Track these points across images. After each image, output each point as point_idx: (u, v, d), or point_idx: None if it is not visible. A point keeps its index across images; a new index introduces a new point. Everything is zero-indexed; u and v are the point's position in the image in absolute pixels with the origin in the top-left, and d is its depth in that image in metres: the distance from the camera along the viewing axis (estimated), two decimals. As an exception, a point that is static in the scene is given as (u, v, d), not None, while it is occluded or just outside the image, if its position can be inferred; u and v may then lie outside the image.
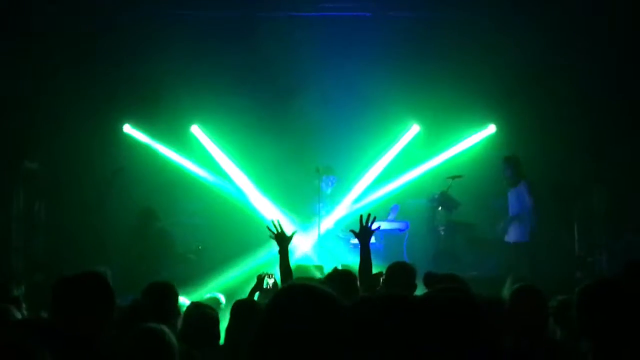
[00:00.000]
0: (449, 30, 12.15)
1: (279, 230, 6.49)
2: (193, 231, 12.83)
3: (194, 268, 11.79)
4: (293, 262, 11.61)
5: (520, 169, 11.59)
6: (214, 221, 12.93)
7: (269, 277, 6.73)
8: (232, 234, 12.50)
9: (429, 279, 5.52)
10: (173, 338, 4.19)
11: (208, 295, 8.31)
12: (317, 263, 11.68)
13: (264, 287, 6.72)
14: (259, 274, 7.02)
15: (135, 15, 12.18)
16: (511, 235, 11.57)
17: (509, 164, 11.59)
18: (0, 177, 11.95)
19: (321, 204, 12.07)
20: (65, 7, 11.59)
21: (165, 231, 12.25)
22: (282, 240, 6.45)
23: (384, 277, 6.24)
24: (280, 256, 6.40)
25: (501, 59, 12.10)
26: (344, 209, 12.84)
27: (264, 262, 11.63)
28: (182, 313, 5.80)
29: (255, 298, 6.73)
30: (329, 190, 12.37)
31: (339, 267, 10.92)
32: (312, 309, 2.52)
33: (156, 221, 12.18)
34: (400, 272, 6.19)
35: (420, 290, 7.23)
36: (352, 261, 11.55)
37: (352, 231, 6.42)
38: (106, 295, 4.07)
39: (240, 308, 5.75)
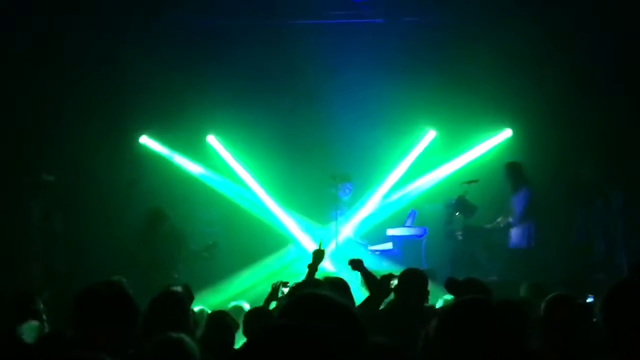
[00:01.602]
0: (463, 34, 12.14)
1: (322, 248, 6.92)
2: (209, 239, 12.82)
3: (208, 268, 11.73)
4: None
5: (520, 175, 11.62)
6: (231, 230, 12.95)
7: (284, 286, 6.68)
8: (249, 242, 12.53)
9: (451, 285, 5.51)
10: (193, 347, 4.16)
11: (233, 304, 8.28)
12: (333, 272, 11.66)
13: (279, 295, 6.68)
14: (273, 282, 6.93)
15: (151, 26, 12.23)
16: (511, 241, 11.62)
17: (509, 170, 11.69)
18: (18, 189, 12.01)
19: (338, 212, 12.06)
20: (83, 19, 11.65)
21: (175, 229, 12.10)
22: (319, 257, 6.80)
23: (395, 283, 6.22)
24: (309, 270, 6.66)
25: (515, 63, 12.09)
26: (361, 216, 12.83)
27: (279, 269, 11.68)
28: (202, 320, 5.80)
29: (271, 307, 6.71)
30: (346, 198, 12.37)
31: (358, 275, 11.03)
32: (324, 319, 2.47)
33: (165, 220, 12.00)
34: (414, 278, 6.22)
35: (437, 294, 7.27)
36: (372, 267, 11.57)
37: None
38: (128, 304, 4.08)
39: (254, 317, 5.75)
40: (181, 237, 11.96)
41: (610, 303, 3.24)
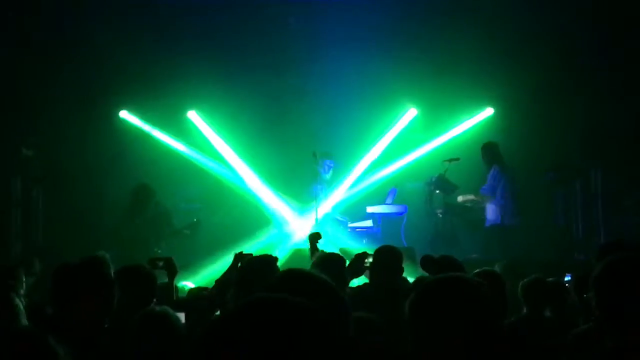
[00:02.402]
0: (445, 12, 12.09)
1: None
2: (191, 216, 12.82)
3: (190, 244, 11.73)
4: (291, 247, 11.73)
5: (492, 154, 11.70)
6: (212, 206, 12.95)
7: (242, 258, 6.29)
8: (230, 219, 12.54)
9: (426, 262, 5.54)
10: (178, 319, 4.20)
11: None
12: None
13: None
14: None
15: (131, 2, 12.13)
16: (489, 216, 11.71)
17: (484, 150, 11.81)
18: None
19: (319, 188, 12.08)
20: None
21: (161, 206, 12.09)
22: (315, 238, 7.13)
23: (369, 259, 6.14)
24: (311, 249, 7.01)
25: (498, 41, 12.10)
26: (341, 192, 12.86)
27: (263, 246, 11.68)
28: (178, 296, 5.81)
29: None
30: (327, 175, 12.38)
31: (338, 251, 11.06)
32: (309, 295, 2.49)
33: (152, 197, 11.99)
34: (388, 255, 6.10)
35: (415, 273, 7.30)
36: (351, 245, 11.62)
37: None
38: (106, 280, 4.09)
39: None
40: (166, 214, 11.94)
41: (600, 282, 3.26)
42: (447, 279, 2.86)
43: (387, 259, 6.05)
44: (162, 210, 11.90)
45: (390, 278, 5.96)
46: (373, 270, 6.03)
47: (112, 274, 4.24)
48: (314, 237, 7.11)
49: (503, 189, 11.57)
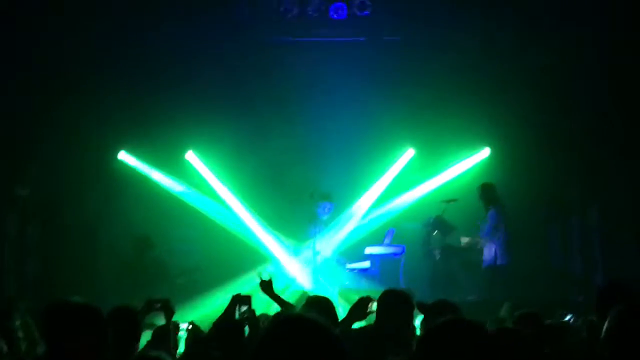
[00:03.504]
0: (441, 53, 12.16)
1: (263, 279, 6.42)
2: (187, 257, 12.78)
3: (184, 292, 11.67)
4: (293, 288, 11.64)
5: (491, 195, 11.69)
6: (208, 247, 12.88)
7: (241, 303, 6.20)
8: (227, 259, 12.45)
9: (421, 307, 5.47)
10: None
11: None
12: (311, 290, 11.61)
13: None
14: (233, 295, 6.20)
15: (130, 43, 12.19)
16: (484, 260, 11.66)
17: (481, 191, 11.82)
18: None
19: (316, 229, 12.02)
20: (63, 36, 11.60)
21: (161, 260, 12.17)
22: (267, 286, 6.37)
23: (373, 306, 5.65)
24: (276, 302, 6.33)
25: (494, 81, 12.16)
26: (340, 233, 12.80)
27: (256, 286, 11.58)
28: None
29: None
30: (325, 217, 12.33)
31: (337, 292, 10.99)
32: (306, 340, 2.44)
33: (151, 250, 12.12)
34: (396, 303, 5.52)
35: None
36: (351, 286, 11.55)
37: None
38: (100, 320, 4.01)
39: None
40: (165, 269, 11.97)
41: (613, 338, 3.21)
42: (448, 322, 2.85)
43: (393, 306, 5.53)
44: (160, 263, 11.95)
45: (395, 327, 5.43)
46: (377, 317, 5.59)
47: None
48: (266, 286, 6.38)
49: (502, 230, 11.56)
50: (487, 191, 11.77)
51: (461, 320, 2.88)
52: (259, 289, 6.37)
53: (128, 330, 4.84)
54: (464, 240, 12.03)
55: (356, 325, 5.81)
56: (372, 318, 5.65)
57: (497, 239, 11.56)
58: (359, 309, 5.73)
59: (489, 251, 11.64)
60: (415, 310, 5.68)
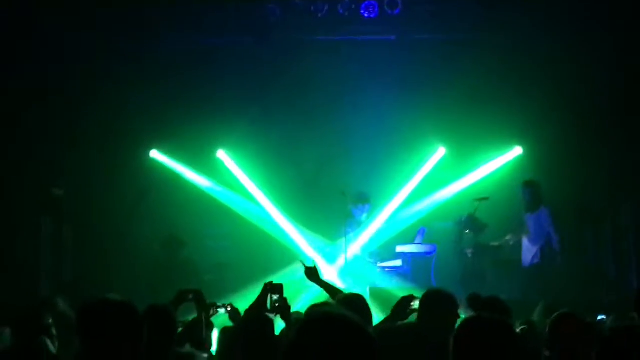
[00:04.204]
0: (473, 51, 12.09)
1: (308, 266, 6.49)
2: (217, 254, 12.82)
3: (214, 289, 11.70)
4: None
5: (540, 194, 11.56)
6: (240, 245, 12.93)
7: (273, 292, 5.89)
8: (258, 257, 12.49)
9: (472, 302, 5.46)
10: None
11: None
12: (342, 288, 11.61)
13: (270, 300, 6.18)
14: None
15: (162, 42, 12.27)
16: (527, 259, 11.55)
17: (529, 189, 11.62)
18: (28, 203, 12.05)
19: (348, 229, 12.02)
20: (93, 36, 11.71)
21: (191, 260, 12.23)
22: (311, 275, 6.45)
23: (415, 304, 5.68)
24: (324, 288, 6.36)
25: (525, 80, 12.09)
26: (371, 232, 12.78)
27: (288, 284, 11.60)
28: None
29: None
30: (362, 217, 12.35)
31: (368, 291, 10.98)
32: (338, 339, 2.43)
33: (182, 249, 12.18)
34: (443, 307, 5.46)
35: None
36: (381, 284, 11.55)
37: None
38: (135, 320, 4.01)
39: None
40: (195, 268, 12.02)
41: None
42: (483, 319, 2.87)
43: (437, 307, 5.49)
44: (190, 263, 12.00)
45: (438, 329, 5.29)
46: (420, 318, 5.57)
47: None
48: (311, 273, 6.45)
49: (553, 230, 11.48)
50: (536, 189, 11.62)
51: (487, 319, 2.90)
52: (289, 282, 6.36)
53: (164, 329, 4.85)
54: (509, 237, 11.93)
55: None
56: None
57: (550, 239, 11.45)
58: (401, 307, 5.75)
59: (531, 251, 11.52)
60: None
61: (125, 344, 3.84)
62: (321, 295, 9.27)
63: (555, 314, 5.07)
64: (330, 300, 6.02)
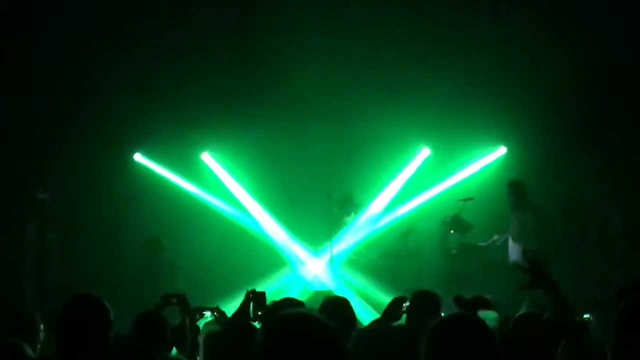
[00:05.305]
0: (456, 51, 12.14)
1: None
2: (202, 258, 12.77)
3: (203, 288, 11.66)
4: (310, 289, 11.67)
5: (523, 193, 11.57)
6: (224, 248, 12.88)
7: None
8: (242, 260, 12.46)
9: (458, 302, 5.50)
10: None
11: None
12: (330, 288, 11.66)
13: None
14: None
15: (145, 45, 12.23)
16: (512, 258, 11.58)
17: (512, 189, 11.60)
18: (12, 207, 11.99)
19: (334, 230, 12.04)
20: (78, 39, 11.67)
21: (172, 262, 12.15)
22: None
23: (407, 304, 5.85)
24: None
25: (510, 80, 12.11)
26: (356, 234, 12.79)
27: (278, 287, 11.63)
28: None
29: None
30: (348, 219, 12.37)
31: (354, 293, 11.01)
32: (307, 340, 2.47)
33: (164, 251, 12.10)
34: (426, 302, 5.82)
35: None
36: (367, 286, 11.59)
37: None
38: (109, 323, 4.03)
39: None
40: (175, 269, 11.96)
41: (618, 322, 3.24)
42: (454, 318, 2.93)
43: (425, 304, 5.79)
44: (171, 264, 11.93)
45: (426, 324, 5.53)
46: (408, 316, 5.77)
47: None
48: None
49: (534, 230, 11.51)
50: (522, 189, 11.60)
51: (462, 317, 2.94)
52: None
53: (155, 335, 4.83)
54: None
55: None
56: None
57: (535, 239, 11.46)
58: (393, 308, 5.80)
59: (514, 249, 11.54)
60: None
61: (92, 338, 3.85)
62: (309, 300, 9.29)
63: (518, 314, 5.15)
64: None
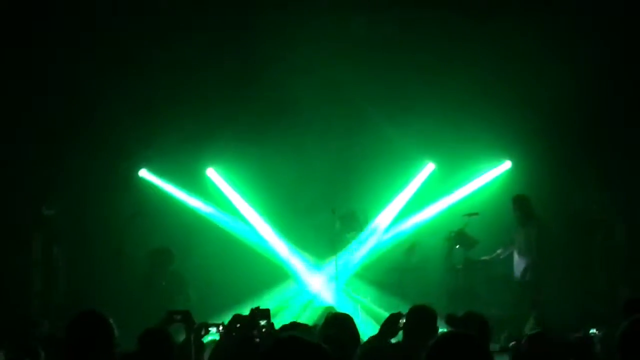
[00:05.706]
0: (460, 65, 12.14)
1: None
2: (207, 273, 12.76)
3: (204, 308, 11.64)
4: (316, 304, 11.66)
5: (529, 208, 11.55)
6: (229, 262, 12.87)
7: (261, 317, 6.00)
8: (247, 276, 12.45)
9: (451, 321, 5.49)
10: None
11: None
12: (331, 305, 11.64)
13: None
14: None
15: (149, 60, 12.26)
16: (517, 273, 11.55)
17: (518, 204, 11.58)
18: (19, 223, 12.02)
19: (339, 246, 12.04)
20: (80, 54, 11.71)
21: (178, 273, 12.12)
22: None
23: (403, 320, 5.79)
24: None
25: (514, 94, 12.10)
26: (360, 250, 12.79)
27: (282, 301, 11.64)
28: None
29: None
30: (350, 234, 12.37)
31: (359, 308, 11.00)
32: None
33: (170, 262, 12.05)
34: (423, 316, 5.78)
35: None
36: (372, 301, 11.57)
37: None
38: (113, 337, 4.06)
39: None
40: (180, 284, 11.92)
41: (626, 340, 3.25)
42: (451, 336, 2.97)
43: (421, 320, 5.75)
44: (177, 275, 11.89)
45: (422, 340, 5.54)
46: (405, 332, 5.74)
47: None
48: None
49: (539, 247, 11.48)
50: (528, 203, 11.60)
51: (456, 335, 2.98)
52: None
53: (160, 352, 4.85)
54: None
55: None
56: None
57: (540, 255, 11.44)
58: (389, 325, 5.76)
59: (522, 266, 11.51)
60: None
61: (97, 355, 3.89)
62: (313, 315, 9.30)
63: (529, 333, 5.18)
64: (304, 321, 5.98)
